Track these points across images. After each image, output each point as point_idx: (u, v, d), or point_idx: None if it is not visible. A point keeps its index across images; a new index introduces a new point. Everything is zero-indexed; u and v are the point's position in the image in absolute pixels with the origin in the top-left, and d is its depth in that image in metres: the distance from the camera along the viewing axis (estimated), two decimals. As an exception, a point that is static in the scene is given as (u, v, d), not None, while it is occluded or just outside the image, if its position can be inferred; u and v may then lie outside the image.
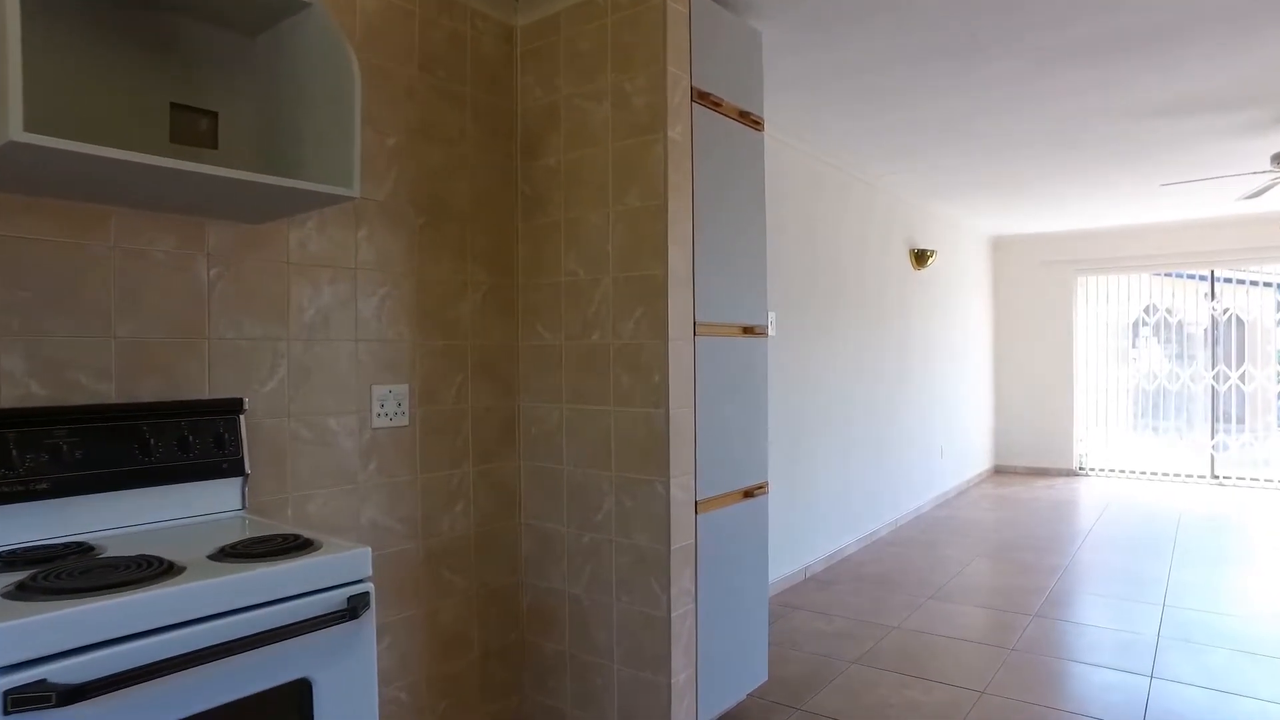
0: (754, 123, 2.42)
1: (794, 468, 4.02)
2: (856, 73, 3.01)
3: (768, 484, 2.47)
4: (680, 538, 2.11)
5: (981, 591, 3.78)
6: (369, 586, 1.32)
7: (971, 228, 6.86)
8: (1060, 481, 6.94)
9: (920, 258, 5.54)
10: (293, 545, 1.31)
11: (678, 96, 2.11)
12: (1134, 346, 7.32)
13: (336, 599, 1.28)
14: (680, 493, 2.10)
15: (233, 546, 1.29)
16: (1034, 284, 7.40)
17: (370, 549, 1.33)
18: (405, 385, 2.09)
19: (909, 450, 5.48)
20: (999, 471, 7.49)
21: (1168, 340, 7.20)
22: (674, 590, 2.08)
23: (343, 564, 1.29)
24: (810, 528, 4.15)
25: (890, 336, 5.21)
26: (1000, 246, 7.55)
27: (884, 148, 4.14)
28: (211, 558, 1.25)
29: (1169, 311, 7.17)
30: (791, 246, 4.02)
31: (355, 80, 1.54)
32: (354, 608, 1.27)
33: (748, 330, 2.39)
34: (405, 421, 2.09)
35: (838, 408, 4.49)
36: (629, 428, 2.15)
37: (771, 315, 3.81)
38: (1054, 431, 7.30)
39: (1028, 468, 7.43)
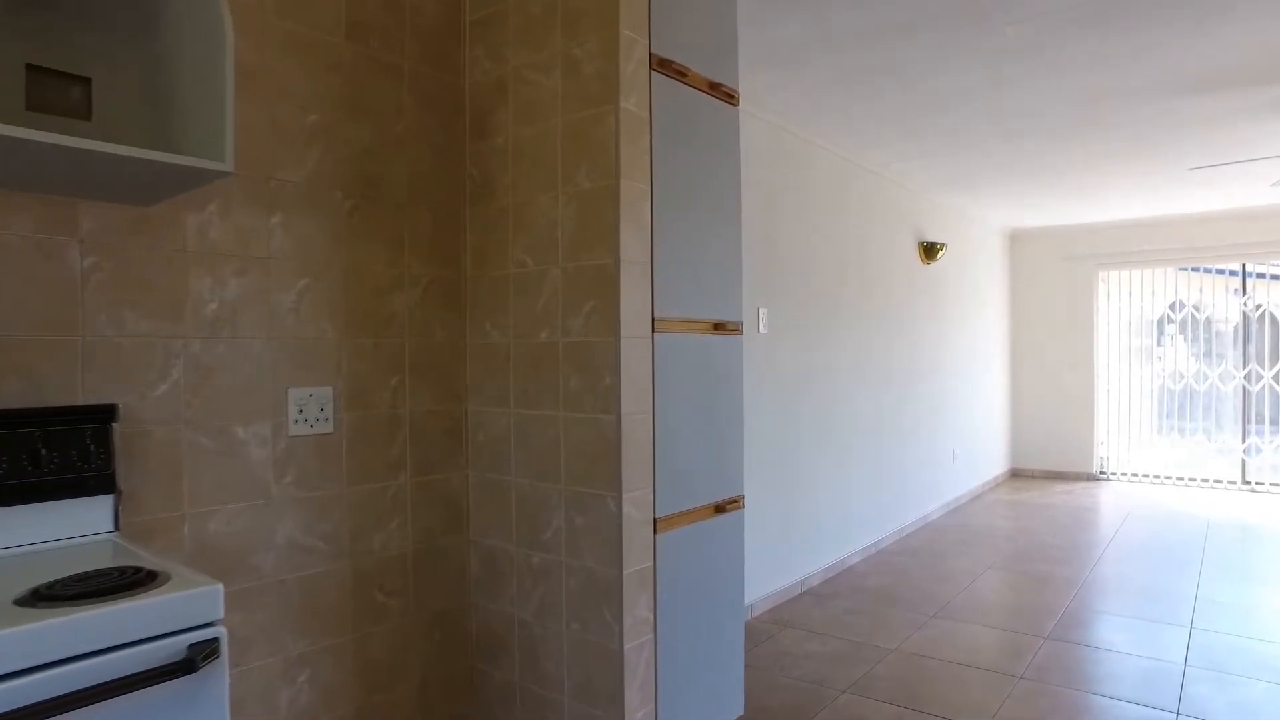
0: (727, 95, 2.18)
1: (791, 474, 3.77)
2: (845, 46, 2.75)
3: (743, 498, 2.23)
4: (635, 560, 1.87)
5: (990, 609, 3.50)
6: (219, 631, 1.10)
7: (985, 219, 6.54)
8: (1079, 487, 6.61)
9: (929, 251, 5.25)
10: (127, 582, 1.09)
11: (633, 63, 1.87)
12: (1159, 345, 6.97)
13: (173, 648, 1.06)
14: (634, 510, 1.87)
15: (49, 586, 1.08)
16: (1053, 279, 7.07)
17: (222, 585, 1.11)
18: (328, 388, 1.88)
19: (917, 453, 5.19)
20: (1015, 475, 7.17)
21: (1195, 338, 6.83)
22: (628, 620, 1.85)
23: (183, 605, 1.07)
24: (807, 538, 3.89)
25: (896, 334, 4.93)
26: (1017, 240, 7.23)
27: (884, 132, 3.87)
28: (18, 602, 1.04)
29: (1196, 308, 6.80)
30: (786, 238, 3.76)
31: (226, 38, 1.32)
32: (192, 659, 1.05)
33: (719, 327, 2.15)
34: (329, 428, 1.88)
35: (839, 409, 4.23)
36: (579, 436, 1.91)
37: (763, 312, 3.56)
38: (1074, 434, 6.97)
39: (1045, 471, 7.10)
